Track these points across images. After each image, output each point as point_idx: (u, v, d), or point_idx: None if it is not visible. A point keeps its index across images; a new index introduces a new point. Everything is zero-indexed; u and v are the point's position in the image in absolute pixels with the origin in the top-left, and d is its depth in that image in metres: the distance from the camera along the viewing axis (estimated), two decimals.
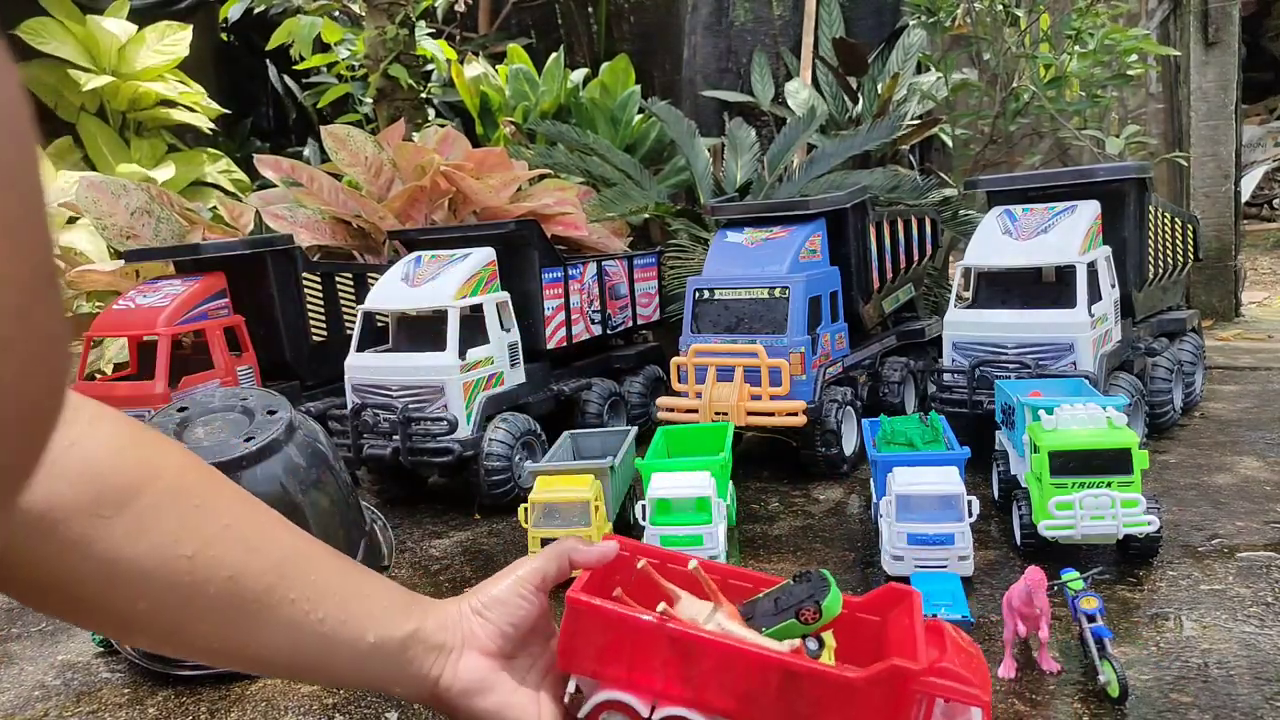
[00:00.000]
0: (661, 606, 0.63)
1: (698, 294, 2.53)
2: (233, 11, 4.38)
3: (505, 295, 2.58)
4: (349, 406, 2.38)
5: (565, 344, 2.86)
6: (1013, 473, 2.01)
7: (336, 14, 4.31)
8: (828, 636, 0.71)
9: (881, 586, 0.73)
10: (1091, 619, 1.41)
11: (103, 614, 0.52)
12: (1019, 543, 1.83)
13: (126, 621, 0.53)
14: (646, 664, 0.63)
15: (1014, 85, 3.41)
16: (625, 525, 2.20)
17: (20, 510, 0.47)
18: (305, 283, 2.73)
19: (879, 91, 3.85)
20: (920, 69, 3.97)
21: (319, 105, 4.49)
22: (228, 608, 0.55)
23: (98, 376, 2.55)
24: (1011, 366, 2.31)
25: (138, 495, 0.51)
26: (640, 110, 4.23)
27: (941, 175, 3.78)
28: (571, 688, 0.66)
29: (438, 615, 0.65)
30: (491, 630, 0.65)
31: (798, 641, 0.65)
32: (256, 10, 4.37)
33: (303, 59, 4.33)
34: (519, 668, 0.67)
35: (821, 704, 0.61)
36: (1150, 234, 2.71)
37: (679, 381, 2.45)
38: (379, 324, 2.55)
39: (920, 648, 0.63)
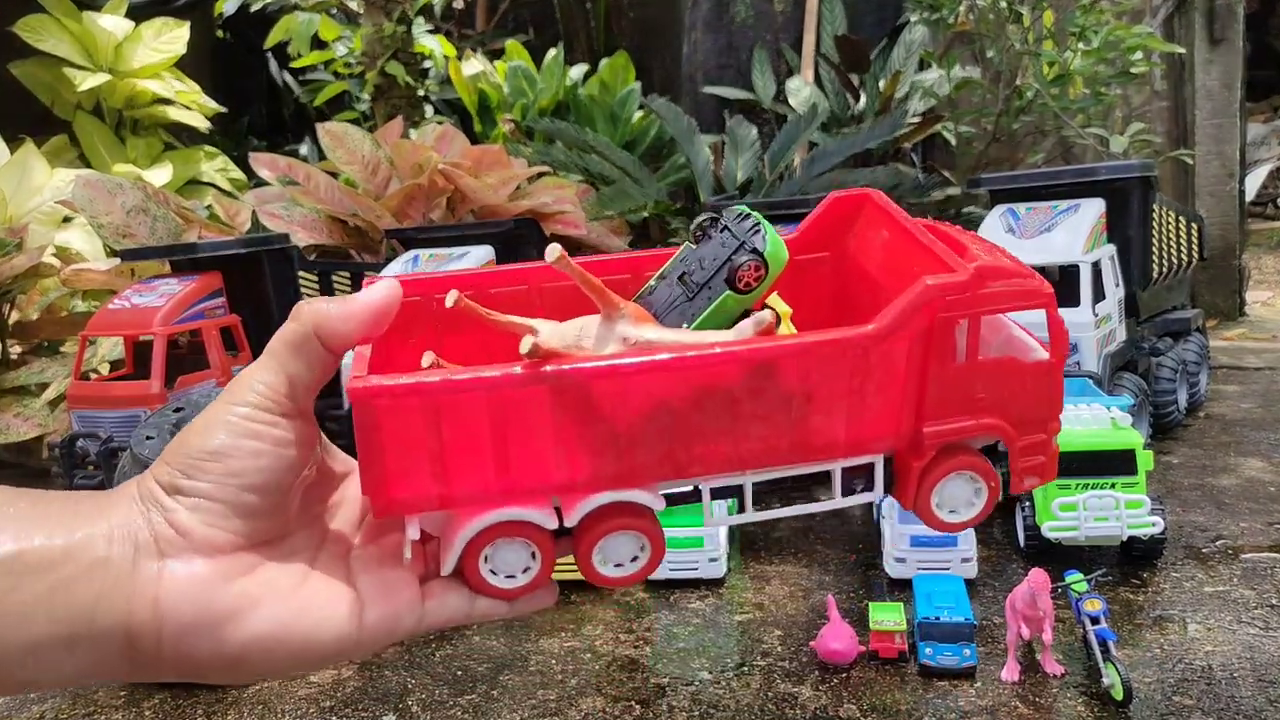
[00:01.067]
0: (527, 344, 0.36)
1: None
2: (228, 7, 4.36)
3: None
4: (345, 407, 2.36)
5: None
6: None
7: (334, 11, 4.29)
8: (776, 302, 0.46)
9: (821, 204, 0.49)
10: (1095, 621, 1.40)
11: None
12: (1022, 545, 1.82)
13: None
14: (527, 449, 0.38)
15: (1017, 83, 3.39)
16: None
17: None
18: (302, 282, 2.72)
19: (880, 89, 3.83)
20: (923, 66, 3.95)
21: (316, 103, 4.47)
22: None
23: (92, 376, 2.54)
24: None
25: None
26: (640, 107, 4.21)
27: (944, 174, 3.75)
28: (412, 535, 0.39)
29: (74, 518, 0.36)
30: (216, 511, 0.37)
31: (768, 315, 0.40)
32: (254, 9, 4.36)
33: (300, 56, 4.31)
34: (297, 550, 0.40)
35: (823, 393, 0.39)
36: (1155, 233, 2.69)
37: None
38: None
39: (940, 252, 0.41)
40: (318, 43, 4.34)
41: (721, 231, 0.44)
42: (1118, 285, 2.46)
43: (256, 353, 2.44)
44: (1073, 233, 2.36)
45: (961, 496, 0.44)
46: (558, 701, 1.46)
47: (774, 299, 0.46)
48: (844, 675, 1.47)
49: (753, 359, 0.38)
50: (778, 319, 0.44)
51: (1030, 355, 0.44)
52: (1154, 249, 2.70)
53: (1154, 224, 2.68)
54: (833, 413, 0.40)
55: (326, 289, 2.82)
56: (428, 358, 0.42)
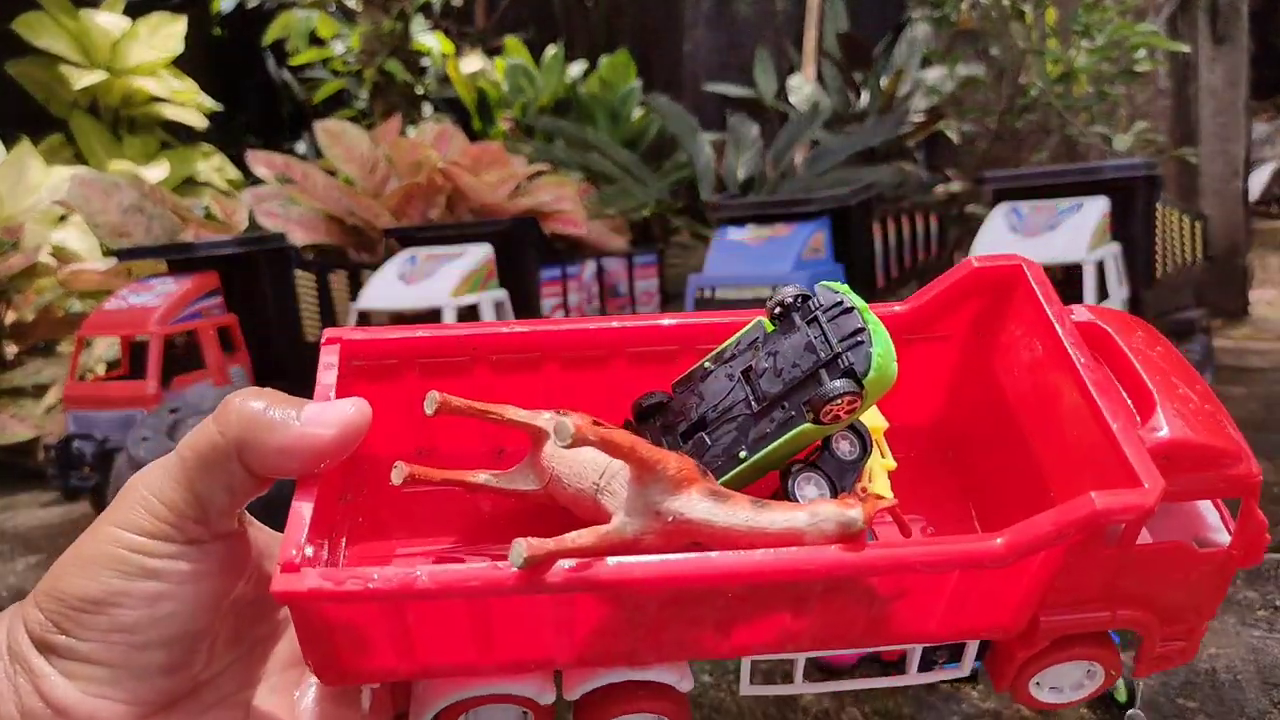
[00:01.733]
0: (519, 553, 0.27)
1: (699, 293, 2.51)
2: (225, 4, 4.35)
3: (504, 293, 2.55)
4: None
5: None
6: None
7: (332, 8, 4.28)
8: (869, 414, 0.36)
9: (956, 274, 0.37)
10: None
11: None
12: None
13: None
14: (518, 634, 0.31)
15: (1021, 81, 3.37)
16: None
17: None
18: (299, 281, 2.71)
19: (883, 87, 3.81)
20: (926, 64, 3.93)
21: (313, 101, 4.46)
22: None
23: (89, 376, 2.53)
24: None
25: None
26: (641, 105, 4.20)
27: (947, 172, 3.74)
28: (372, 687, 0.33)
29: None
30: (101, 677, 0.28)
31: (857, 520, 0.29)
32: (251, 5, 4.35)
33: (298, 53, 4.30)
34: (224, 696, 0.31)
35: (917, 594, 0.31)
36: (1158, 232, 2.68)
37: None
38: (374, 323, 2.52)
39: (1116, 432, 0.30)
40: (315, 40, 4.32)
41: (810, 322, 0.33)
42: (1121, 284, 2.44)
43: (254, 354, 2.38)
44: (1076, 231, 2.35)
45: (1069, 679, 0.36)
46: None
47: (875, 415, 0.37)
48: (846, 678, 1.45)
49: (827, 572, 0.29)
50: (864, 449, 0.35)
51: (1207, 536, 0.35)
52: (1158, 248, 2.68)
53: (1158, 223, 2.66)
54: (926, 610, 0.32)
55: (323, 288, 2.81)
56: (399, 473, 0.32)
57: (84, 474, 2.25)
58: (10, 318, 2.80)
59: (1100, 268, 2.32)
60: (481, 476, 0.35)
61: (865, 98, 3.94)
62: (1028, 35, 3.31)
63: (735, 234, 2.62)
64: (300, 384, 0.34)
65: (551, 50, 4.38)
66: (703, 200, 3.61)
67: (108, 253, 2.81)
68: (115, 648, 0.28)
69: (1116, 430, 0.30)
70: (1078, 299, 2.28)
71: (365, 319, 2.48)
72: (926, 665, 0.35)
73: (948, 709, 1.35)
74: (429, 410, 0.31)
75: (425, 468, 0.33)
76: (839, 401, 0.31)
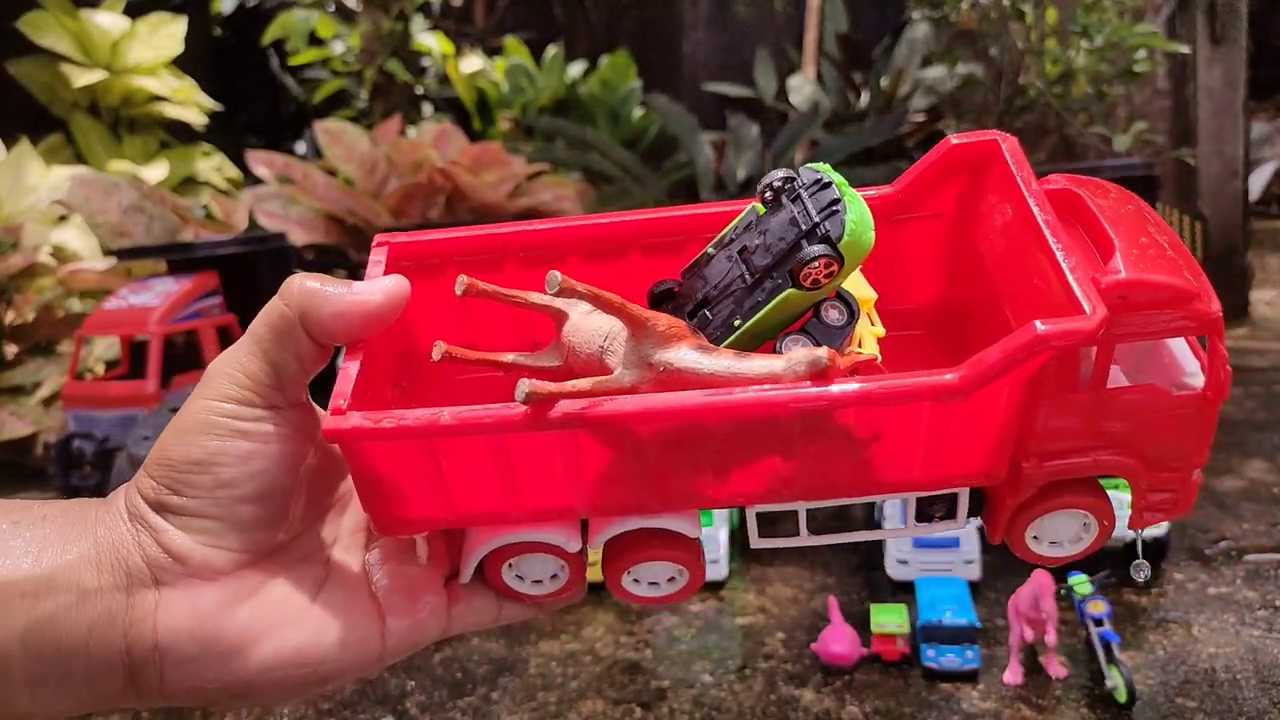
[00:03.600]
0: (523, 389, 0.31)
1: None
2: (225, 4, 4.35)
3: None
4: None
5: None
6: None
7: (331, 8, 4.28)
8: (858, 285, 0.39)
9: (935, 152, 0.39)
10: (1099, 623, 1.40)
11: None
12: None
13: None
14: (538, 478, 0.35)
15: (1020, 81, 3.38)
16: None
17: None
18: None
19: (883, 87, 3.82)
20: (925, 64, 3.94)
21: (313, 101, 4.46)
22: None
23: (88, 376, 2.53)
24: None
25: None
26: (641, 105, 4.20)
27: None
28: (423, 550, 0.38)
29: (55, 538, 0.32)
30: (212, 529, 0.33)
31: (823, 357, 0.32)
32: (251, 3, 4.35)
33: (298, 52, 4.30)
34: (307, 554, 0.37)
35: (893, 433, 0.33)
36: None
37: None
38: None
39: (1069, 269, 0.32)
40: (315, 40, 4.32)
41: (794, 200, 0.36)
42: None
43: None
44: None
45: (1066, 531, 0.39)
46: (558, 704, 1.45)
47: (856, 280, 0.39)
48: (847, 678, 1.46)
49: (796, 408, 0.31)
50: (851, 314, 0.36)
51: (1182, 381, 0.36)
52: None
53: None
54: (905, 452, 0.34)
55: None
56: (438, 350, 0.36)
57: (84, 473, 2.26)
58: (10, 318, 2.80)
59: None
60: (511, 356, 0.39)
61: (865, 98, 3.95)
62: (1027, 35, 3.31)
63: None
64: None
65: (551, 50, 4.38)
66: (702, 200, 3.62)
67: (107, 252, 2.81)
68: (220, 502, 0.33)
69: (1065, 267, 0.32)
70: None
71: None
72: (924, 519, 0.38)
73: (948, 708, 1.36)
74: (458, 291, 0.35)
75: (462, 348, 0.37)
76: (815, 264, 0.34)
